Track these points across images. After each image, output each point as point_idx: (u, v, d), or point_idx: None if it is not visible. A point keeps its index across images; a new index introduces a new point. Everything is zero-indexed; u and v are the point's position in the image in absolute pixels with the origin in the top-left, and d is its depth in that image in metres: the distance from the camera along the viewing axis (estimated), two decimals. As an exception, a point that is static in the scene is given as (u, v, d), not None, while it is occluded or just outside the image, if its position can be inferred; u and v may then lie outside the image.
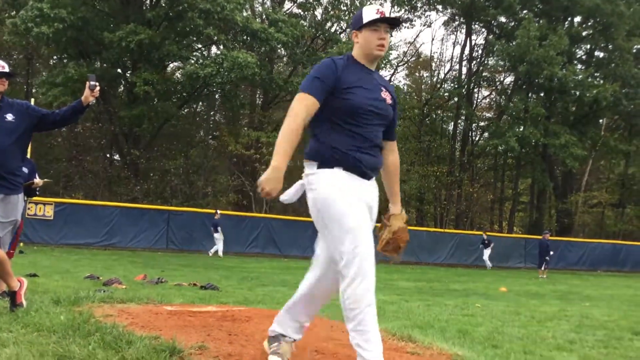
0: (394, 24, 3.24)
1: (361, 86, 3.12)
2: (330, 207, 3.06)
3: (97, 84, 4.73)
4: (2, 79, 4.78)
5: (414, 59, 42.16)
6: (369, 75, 3.21)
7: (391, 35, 3.32)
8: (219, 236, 22.10)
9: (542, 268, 22.45)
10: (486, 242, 27.47)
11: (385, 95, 3.21)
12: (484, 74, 39.00)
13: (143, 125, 26.59)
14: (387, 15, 3.17)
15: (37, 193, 5.70)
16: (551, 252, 23.17)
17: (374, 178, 3.23)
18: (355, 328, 3.01)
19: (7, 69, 4.85)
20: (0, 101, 4.79)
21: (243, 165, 30.11)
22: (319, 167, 3.12)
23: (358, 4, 29.89)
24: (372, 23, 3.13)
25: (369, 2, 31.23)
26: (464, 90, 36.64)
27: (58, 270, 10.80)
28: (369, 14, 3.14)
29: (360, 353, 3.01)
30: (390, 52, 32.33)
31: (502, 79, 39.57)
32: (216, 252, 22.14)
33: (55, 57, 30.57)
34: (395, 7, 33.56)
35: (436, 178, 34.33)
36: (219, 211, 22.96)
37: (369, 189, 3.18)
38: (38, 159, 26.08)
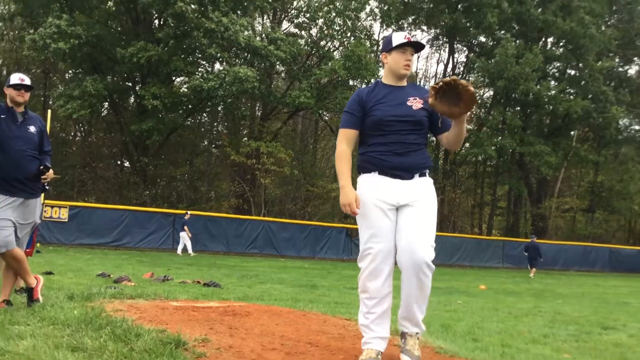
0: (418, 48, 3.45)
1: (384, 102, 3.32)
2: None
3: (48, 173, 4.84)
4: (21, 91, 4.82)
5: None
6: (396, 91, 3.38)
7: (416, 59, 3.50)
8: (184, 235, 20.88)
9: (535, 268, 22.42)
10: None
11: (413, 102, 3.33)
12: (465, 89, 39.02)
13: (153, 137, 26.48)
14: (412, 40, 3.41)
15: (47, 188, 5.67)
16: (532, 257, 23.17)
17: (415, 177, 3.30)
18: (361, 310, 3.33)
19: (27, 82, 4.88)
20: (25, 114, 4.86)
21: (244, 172, 30.06)
22: (361, 174, 3.38)
23: (350, 25, 29.95)
24: (401, 46, 3.35)
25: (363, 21, 31.38)
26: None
27: (72, 269, 10.76)
28: (397, 38, 3.36)
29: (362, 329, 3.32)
30: (379, 68, 32.39)
31: (482, 94, 39.73)
32: (186, 250, 20.71)
33: (70, 71, 30.50)
34: (384, 26, 33.68)
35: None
36: (189, 212, 22.45)
37: (402, 189, 3.26)
38: (54, 166, 25.81)
